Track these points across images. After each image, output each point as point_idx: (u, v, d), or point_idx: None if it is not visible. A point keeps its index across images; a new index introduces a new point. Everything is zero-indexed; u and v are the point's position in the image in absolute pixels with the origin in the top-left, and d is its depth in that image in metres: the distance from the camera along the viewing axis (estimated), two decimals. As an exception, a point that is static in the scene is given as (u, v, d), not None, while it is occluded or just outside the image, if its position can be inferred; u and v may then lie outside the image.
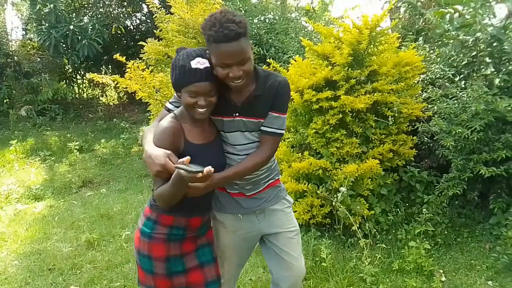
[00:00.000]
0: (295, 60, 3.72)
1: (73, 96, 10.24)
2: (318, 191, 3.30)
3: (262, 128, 1.71)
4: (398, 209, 3.54)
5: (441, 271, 3.00)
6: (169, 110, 1.75)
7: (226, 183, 1.78)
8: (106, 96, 10.86)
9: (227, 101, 1.67)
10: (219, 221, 1.89)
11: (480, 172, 3.02)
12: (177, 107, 1.73)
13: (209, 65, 1.55)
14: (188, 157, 1.45)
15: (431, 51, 4.13)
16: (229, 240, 1.89)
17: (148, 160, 1.55)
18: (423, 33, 4.85)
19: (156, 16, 6.20)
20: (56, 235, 3.96)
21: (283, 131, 1.75)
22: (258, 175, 1.81)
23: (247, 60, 1.56)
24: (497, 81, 3.24)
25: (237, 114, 1.69)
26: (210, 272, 1.80)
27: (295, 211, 3.34)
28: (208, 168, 1.43)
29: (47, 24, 8.19)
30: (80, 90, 10.59)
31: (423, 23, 5.01)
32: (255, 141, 1.75)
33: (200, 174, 1.42)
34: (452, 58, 3.77)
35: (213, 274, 1.80)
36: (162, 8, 6.21)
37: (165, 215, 1.68)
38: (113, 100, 10.78)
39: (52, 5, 7.99)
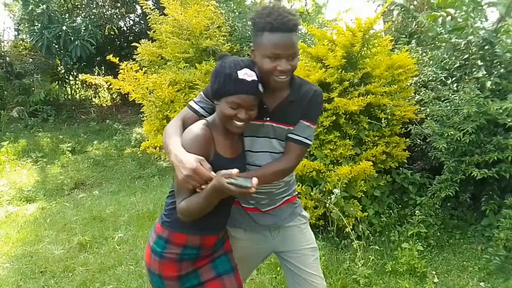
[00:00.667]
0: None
1: (65, 97, 10.19)
2: (311, 193, 3.30)
3: (290, 135, 1.62)
4: (391, 211, 3.56)
5: (434, 272, 3.01)
6: (195, 112, 1.65)
7: None
8: (99, 97, 10.80)
9: (259, 104, 1.57)
10: (231, 235, 1.80)
11: (472, 174, 3.04)
12: (203, 108, 1.65)
13: (256, 78, 1.47)
14: (237, 170, 1.36)
15: (424, 54, 4.16)
16: (240, 254, 1.78)
17: (178, 164, 1.41)
18: (416, 36, 4.89)
19: (149, 17, 6.19)
20: (48, 238, 3.92)
21: (310, 143, 1.66)
22: (275, 189, 1.72)
23: (296, 55, 1.52)
24: (488, 84, 3.28)
25: (267, 119, 1.60)
26: (231, 283, 1.68)
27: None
28: (256, 181, 1.34)
29: (39, 25, 8.13)
30: (72, 91, 10.53)
31: (416, 26, 5.05)
32: (281, 151, 1.66)
33: (253, 189, 1.33)
34: (445, 61, 3.80)
35: (234, 285, 1.69)
36: (156, 9, 6.21)
37: (177, 233, 1.57)
38: (106, 101, 10.72)
39: (44, 6, 7.94)
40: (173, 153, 1.44)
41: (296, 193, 1.88)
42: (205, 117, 1.61)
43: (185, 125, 1.58)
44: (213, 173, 1.39)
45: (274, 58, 1.47)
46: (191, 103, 1.69)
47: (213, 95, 1.53)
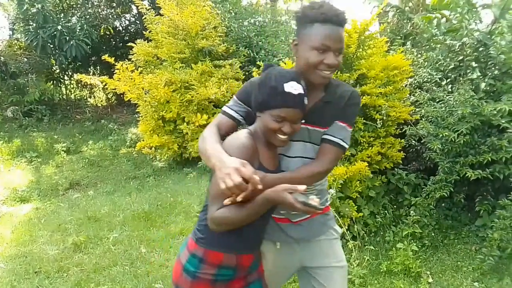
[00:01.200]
0: (285, 63, 3.74)
1: (60, 97, 10.14)
2: (307, 193, 3.31)
3: (325, 136, 1.53)
4: (386, 211, 3.57)
5: (428, 272, 3.03)
6: (230, 117, 1.58)
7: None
8: (94, 97, 10.76)
9: None
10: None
11: (466, 175, 3.06)
12: (238, 112, 1.58)
13: (302, 92, 1.40)
14: (304, 186, 1.30)
15: (419, 55, 4.18)
16: (268, 269, 1.67)
17: (220, 165, 1.31)
18: (411, 38, 4.91)
19: (145, 18, 6.19)
20: (42, 238, 3.90)
21: (347, 146, 1.55)
22: (307, 196, 1.61)
23: (342, 52, 1.47)
24: (483, 85, 3.30)
25: (302, 121, 1.50)
26: None
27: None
28: (318, 201, 1.30)
29: (34, 24, 8.09)
30: (67, 91, 10.48)
31: (411, 27, 5.08)
32: (314, 157, 1.57)
33: (320, 211, 1.30)
34: (439, 63, 3.82)
35: None
36: (152, 10, 6.21)
37: (213, 251, 1.46)
38: (101, 101, 10.69)
39: (39, 5, 7.90)
40: (215, 157, 1.36)
41: (329, 203, 1.79)
42: (240, 121, 1.58)
43: (220, 131, 1.52)
44: (257, 177, 1.31)
45: (323, 50, 1.42)
46: (225, 108, 1.61)
47: (256, 106, 1.46)
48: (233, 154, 1.36)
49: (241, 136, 1.44)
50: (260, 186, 1.30)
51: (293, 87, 1.38)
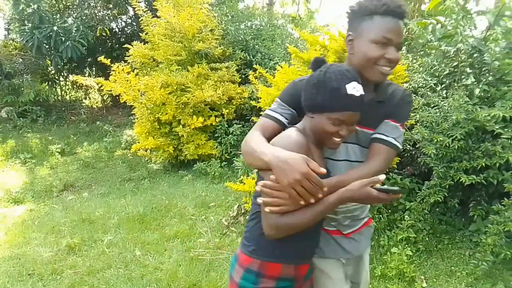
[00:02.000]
0: (281, 67, 3.75)
1: (55, 98, 10.11)
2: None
3: (376, 135, 1.43)
4: (381, 216, 3.58)
5: (423, 277, 3.04)
6: (275, 119, 1.47)
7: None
8: (90, 98, 10.74)
9: None
10: (319, 269, 1.53)
11: (461, 180, 3.08)
12: (282, 114, 1.48)
13: (363, 93, 1.28)
14: (383, 176, 1.24)
15: (414, 61, 4.21)
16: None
17: (281, 165, 1.20)
18: (406, 43, 4.94)
19: (142, 19, 6.19)
20: (36, 240, 3.88)
21: (400, 146, 1.44)
22: (357, 205, 1.52)
23: (401, 47, 1.39)
24: (477, 91, 3.33)
25: None
26: None
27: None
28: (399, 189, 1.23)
29: (30, 25, 8.08)
30: (62, 92, 10.45)
31: (406, 33, 5.11)
32: (360, 160, 1.47)
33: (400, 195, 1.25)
34: (434, 68, 3.85)
35: None
36: (148, 12, 6.21)
37: (271, 262, 1.34)
38: (97, 103, 10.66)
39: (35, 6, 7.88)
40: (270, 154, 1.24)
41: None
42: (286, 124, 1.46)
43: (263, 134, 1.41)
44: (323, 169, 1.22)
45: (383, 44, 1.33)
46: (268, 111, 1.51)
47: (311, 107, 1.34)
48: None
49: (293, 134, 1.33)
50: (325, 188, 1.22)
51: (355, 88, 1.27)
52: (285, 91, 1.53)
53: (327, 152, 1.45)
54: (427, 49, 4.35)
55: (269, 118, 1.48)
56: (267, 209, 1.24)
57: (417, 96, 3.66)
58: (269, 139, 1.37)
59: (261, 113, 3.94)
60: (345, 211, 1.50)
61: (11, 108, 8.67)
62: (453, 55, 3.74)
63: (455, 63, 3.71)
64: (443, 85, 3.74)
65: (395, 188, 1.25)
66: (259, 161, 1.28)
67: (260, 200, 1.25)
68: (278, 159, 1.21)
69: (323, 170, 1.21)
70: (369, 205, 1.63)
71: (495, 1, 4.98)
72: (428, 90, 3.72)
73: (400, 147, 1.44)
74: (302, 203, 1.21)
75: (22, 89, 8.63)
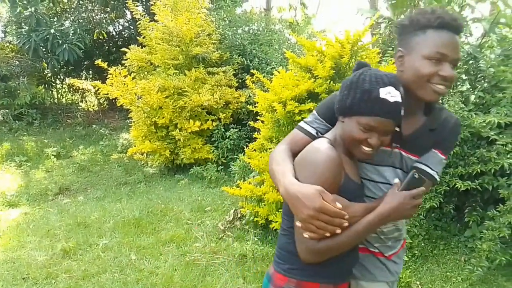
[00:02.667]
0: (279, 72, 3.77)
1: (51, 101, 10.07)
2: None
3: (420, 165, 1.34)
4: (376, 221, 3.59)
5: (418, 282, 3.05)
6: (308, 133, 1.39)
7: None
8: (86, 101, 10.71)
9: None
10: None
11: (456, 186, 3.10)
12: (317, 129, 1.39)
13: (400, 100, 1.19)
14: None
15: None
16: None
17: (293, 201, 1.15)
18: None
19: (139, 23, 6.20)
20: (31, 243, 3.85)
21: (438, 180, 1.37)
22: (398, 226, 1.46)
23: (458, 63, 1.28)
24: (472, 97, 3.36)
25: (397, 146, 1.34)
26: None
27: (276, 221, 3.36)
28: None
29: (27, 27, 8.06)
30: (59, 95, 10.42)
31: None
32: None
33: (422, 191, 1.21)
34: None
35: None
36: (146, 15, 6.22)
37: (309, 282, 1.26)
38: (93, 106, 10.64)
39: (33, 8, 7.87)
40: (283, 187, 1.19)
41: None
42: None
43: (293, 148, 1.34)
44: (339, 204, 1.14)
45: (437, 60, 1.22)
46: (302, 124, 1.42)
47: (341, 110, 1.26)
48: (318, 171, 1.18)
49: (322, 147, 1.22)
50: (347, 216, 1.15)
51: (390, 93, 1.18)
52: (323, 103, 1.44)
53: (369, 172, 1.37)
54: (423, 56, 4.37)
55: (301, 131, 1.40)
56: (305, 234, 1.16)
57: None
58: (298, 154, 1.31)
59: (258, 117, 3.98)
60: (386, 233, 1.43)
61: (7, 110, 8.63)
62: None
63: (451, 70, 3.74)
64: (439, 91, 3.76)
65: (414, 176, 1.21)
66: (277, 187, 1.23)
67: (298, 223, 1.17)
68: (289, 195, 1.16)
69: (339, 205, 1.13)
70: (405, 227, 1.56)
71: (490, 8, 5.02)
72: (424, 96, 3.73)
73: (439, 181, 1.39)
74: (328, 234, 1.15)
75: (18, 91, 8.60)
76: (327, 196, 1.13)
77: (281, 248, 1.33)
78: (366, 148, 1.21)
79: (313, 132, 1.38)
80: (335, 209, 1.12)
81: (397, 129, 1.26)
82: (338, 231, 1.14)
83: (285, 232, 1.32)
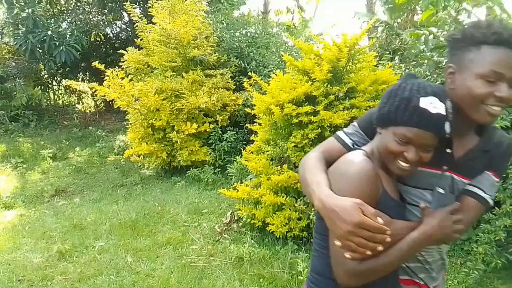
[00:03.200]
0: (276, 74, 3.78)
1: (48, 102, 10.05)
2: (296, 204, 3.32)
3: (472, 189, 1.23)
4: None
5: (414, 285, 3.05)
6: (344, 144, 1.29)
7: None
8: (82, 103, 10.69)
9: (440, 148, 1.17)
10: None
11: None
12: (356, 142, 1.29)
13: (443, 113, 1.08)
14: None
15: (407, 70, 4.26)
16: None
17: (330, 215, 1.06)
18: (399, 53, 5.01)
19: (137, 25, 6.21)
20: (26, 245, 3.83)
21: (491, 204, 1.26)
22: (442, 254, 1.35)
23: None
24: (469, 101, 3.37)
25: (447, 168, 1.22)
26: None
27: (273, 224, 3.36)
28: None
29: (24, 29, 8.04)
30: (55, 97, 10.40)
31: (399, 43, 5.18)
32: None
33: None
34: (427, 78, 3.90)
35: None
36: (144, 18, 6.23)
37: None
38: (90, 107, 10.61)
39: (30, 10, 7.86)
40: (319, 198, 1.10)
41: None
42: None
43: (327, 158, 1.25)
44: (380, 219, 1.05)
45: (492, 80, 1.11)
46: (340, 134, 1.33)
47: (378, 119, 1.17)
48: (352, 184, 1.09)
49: (358, 160, 1.13)
50: (389, 232, 1.05)
51: (432, 104, 1.07)
52: (366, 116, 1.33)
53: (419, 199, 1.23)
54: (419, 59, 4.41)
55: (338, 141, 1.30)
56: (347, 254, 1.05)
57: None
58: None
59: (256, 120, 3.99)
60: (431, 262, 1.31)
61: (3, 112, 8.60)
62: (445, 66, 3.79)
63: (447, 74, 3.76)
64: (435, 95, 3.78)
65: (439, 191, 1.15)
66: (310, 198, 1.15)
67: (337, 242, 1.06)
68: (326, 209, 1.06)
69: (380, 220, 1.04)
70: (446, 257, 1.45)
71: (487, 13, 5.06)
72: (420, 99, 3.75)
73: (492, 205, 1.27)
74: (369, 253, 1.04)
75: (15, 93, 8.58)
76: (367, 210, 1.03)
77: (314, 272, 1.23)
78: (403, 163, 1.11)
79: (350, 143, 1.29)
80: (376, 224, 1.03)
81: (449, 150, 1.19)
82: (380, 248, 1.04)
83: (318, 253, 1.21)
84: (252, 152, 3.91)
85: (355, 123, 1.33)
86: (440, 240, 1.16)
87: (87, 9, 9.72)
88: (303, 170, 1.23)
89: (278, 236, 3.45)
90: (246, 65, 6.33)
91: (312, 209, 3.18)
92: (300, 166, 1.27)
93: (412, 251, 1.13)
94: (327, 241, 1.15)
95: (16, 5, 8.00)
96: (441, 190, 1.18)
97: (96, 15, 9.87)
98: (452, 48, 1.25)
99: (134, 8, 6.35)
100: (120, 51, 6.24)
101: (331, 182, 1.14)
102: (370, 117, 1.28)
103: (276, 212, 3.41)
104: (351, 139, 1.29)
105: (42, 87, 9.86)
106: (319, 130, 3.38)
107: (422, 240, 1.11)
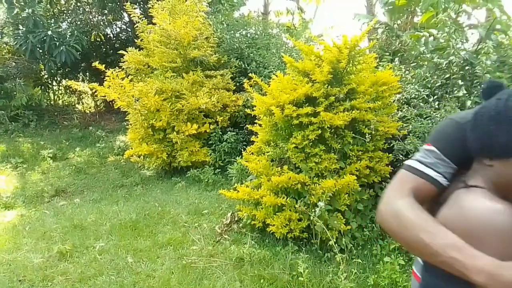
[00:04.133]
0: (276, 75, 3.79)
1: (48, 102, 10.05)
2: (296, 205, 3.33)
3: None
4: (373, 225, 3.61)
5: (414, 286, 3.06)
6: (432, 181, 1.05)
7: None
8: (83, 103, 10.69)
9: None
10: None
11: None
12: (443, 174, 1.06)
13: None
14: None
15: (407, 72, 4.27)
16: None
17: None
18: (399, 54, 5.03)
19: (137, 26, 6.21)
20: (27, 246, 3.83)
21: None
22: None
23: None
24: (469, 103, 3.39)
25: None
26: None
27: (273, 225, 3.37)
28: None
29: (24, 29, 8.05)
30: (55, 97, 10.41)
31: (400, 44, 5.19)
32: None
33: None
34: (427, 80, 3.91)
35: None
36: (144, 18, 6.23)
37: None
38: (90, 108, 10.62)
39: (30, 10, 7.87)
40: (486, 271, 0.82)
41: None
42: (446, 187, 1.05)
43: (420, 203, 1.02)
44: None
45: None
46: (420, 166, 1.07)
47: (489, 150, 0.98)
48: (502, 242, 0.87)
49: (499, 207, 0.90)
50: None
51: None
52: (439, 135, 1.10)
53: None
54: (419, 61, 4.43)
55: (423, 177, 1.05)
56: None
57: (409, 107, 3.72)
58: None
59: (256, 121, 4.00)
60: None
61: (3, 112, 8.60)
62: (445, 67, 3.81)
63: (447, 75, 3.78)
64: (435, 97, 3.80)
65: None
66: (451, 269, 0.87)
67: None
68: (505, 284, 0.79)
69: None
70: None
71: (486, 15, 5.08)
72: (420, 101, 3.77)
73: None
74: None
75: (15, 93, 8.58)
76: None
77: None
78: None
79: (440, 180, 1.05)
80: None
81: None
82: None
83: None
84: (252, 153, 3.91)
85: (430, 147, 1.08)
86: None
87: (87, 9, 9.72)
88: (405, 227, 0.96)
89: (278, 237, 3.45)
90: (246, 66, 6.34)
91: (312, 210, 3.18)
92: (397, 221, 0.98)
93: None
94: None
95: (16, 5, 8.00)
96: None
97: (96, 16, 9.87)
98: None
99: (135, 8, 6.36)
100: (120, 51, 6.25)
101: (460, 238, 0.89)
102: (448, 138, 1.08)
103: (277, 213, 3.41)
104: (436, 172, 1.05)
105: (42, 87, 9.87)
106: (320, 131, 3.39)
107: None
